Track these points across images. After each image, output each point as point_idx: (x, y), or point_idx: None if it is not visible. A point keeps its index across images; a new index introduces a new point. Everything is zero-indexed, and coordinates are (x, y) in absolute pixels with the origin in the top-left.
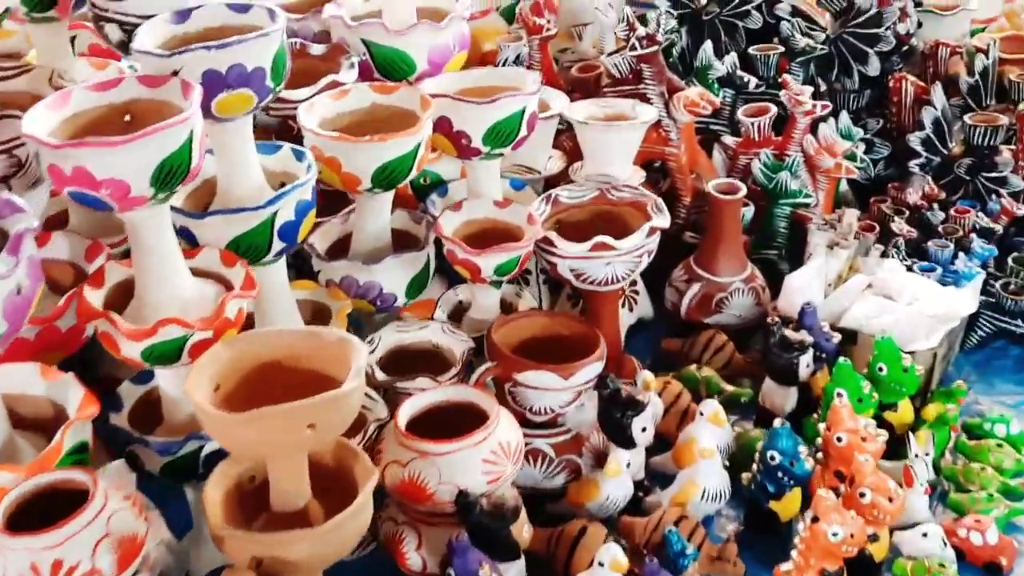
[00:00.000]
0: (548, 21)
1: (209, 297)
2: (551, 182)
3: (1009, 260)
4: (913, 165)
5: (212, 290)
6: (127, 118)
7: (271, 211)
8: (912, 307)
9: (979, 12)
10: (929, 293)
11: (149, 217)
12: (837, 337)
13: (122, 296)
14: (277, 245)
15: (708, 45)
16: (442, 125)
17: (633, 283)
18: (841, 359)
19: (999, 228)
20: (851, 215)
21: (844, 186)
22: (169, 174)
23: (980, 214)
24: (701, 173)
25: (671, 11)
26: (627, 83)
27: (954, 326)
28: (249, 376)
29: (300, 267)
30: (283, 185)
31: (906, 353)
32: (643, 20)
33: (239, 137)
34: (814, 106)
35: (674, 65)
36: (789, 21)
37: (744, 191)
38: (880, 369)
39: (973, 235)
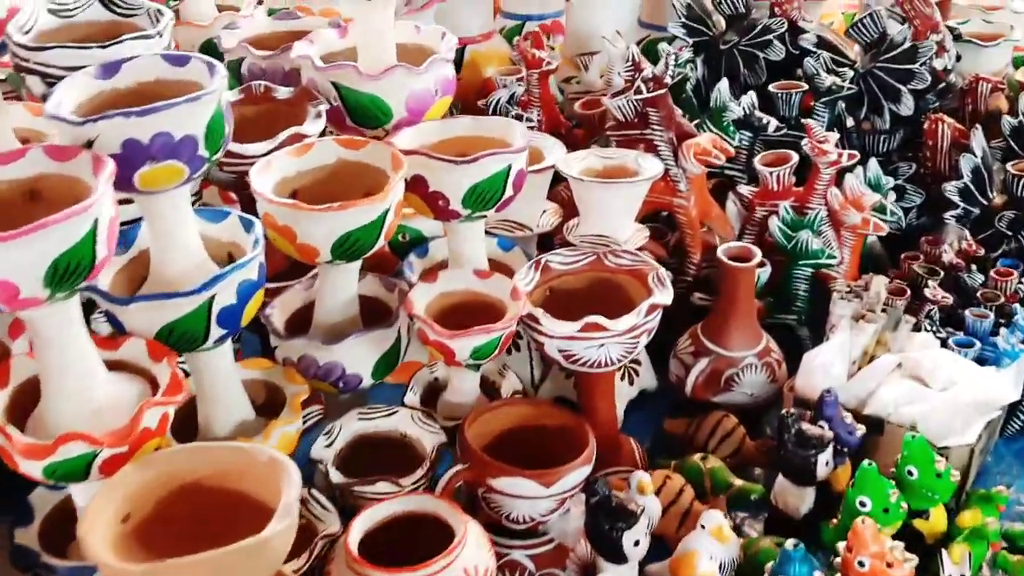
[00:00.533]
0: (552, 49)
1: (128, 401)
2: (546, 239)
3: None
4: (949, 217)
5: (134, 391)
6: (34, 199)
7: (206, 296)
8: (947, 393)
9: None
10: (966, 376)
11: (49, 315)
12: (861, 430)
13: (34, 395)
14: (216, 332)
15: (724, 84)
16: (417, 185)
17: None
18: (865, 462)
19: None
20: (879, 283)
21: (872, 237)
22: (67, 273)
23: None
24: (713, 226)
25: (686, 38)
26: (632, 127)
27: (994, 417)
28: (167, 501)
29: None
30: (231, 258)
31: (939, 451)
32: (652, 52)
33: (172, 209)
34: (840, 155)
35: (687, 100)
36: (814, 54)
37: (759, 257)
38: (910, 473)
39: (1017, 305)
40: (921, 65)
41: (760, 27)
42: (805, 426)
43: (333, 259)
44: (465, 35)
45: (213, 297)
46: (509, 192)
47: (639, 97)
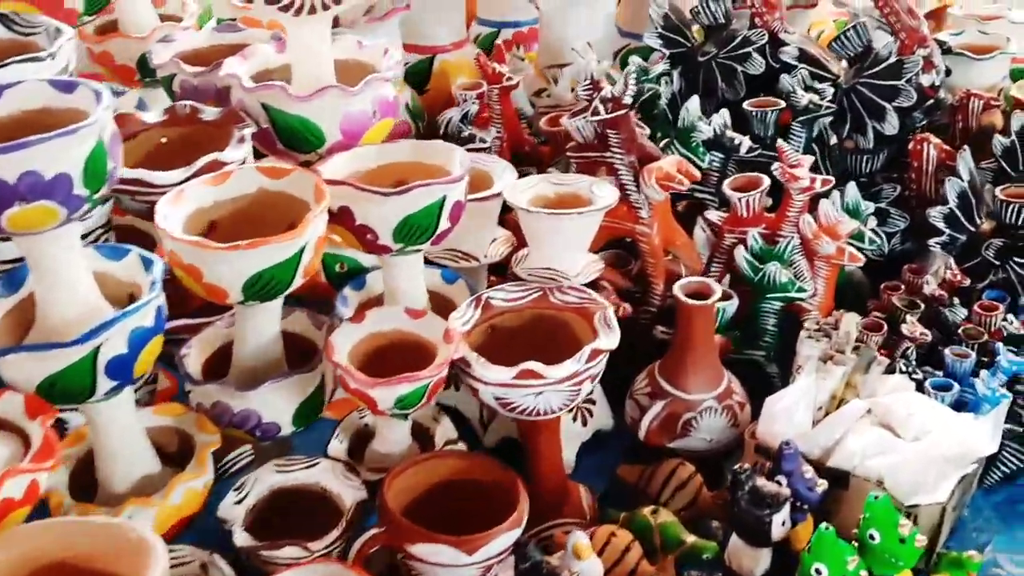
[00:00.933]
0: (522, 60)
1: None
2: (499, 268)
3: None
4: (933, 244)
5: (3, 455)
6: None
7: (91, 346)
8: (919, 444)
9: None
10: (941, 425)
11: None
12: (823, 486)
13: None
14: (104, 384)
15: (692, 102)
16: (344, 217)
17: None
18: (823, 526)
19: None
20: (849, 321)
21: (852, 266)
22: None
23: (1010, 317)
24: (679, 255)
25: (662, 50)
26: (593, 148)
27: (969, 472)
28: None
29: None
30: (132, 300)
31: (908, 510)
32: (624, 63)
33: (55, 249)
34: (812, 180)
35: (662, 115)
36: (793, 68)
37: (717, 293)
38: (871, 537)
39: (1000, 344)
40: (907, 81)
41: (739, 39)
42: (760, 482)
43: (245, 300)
44: (434, 43)
45: (99, 347)
46: (444, 225)
47: (596, 119)
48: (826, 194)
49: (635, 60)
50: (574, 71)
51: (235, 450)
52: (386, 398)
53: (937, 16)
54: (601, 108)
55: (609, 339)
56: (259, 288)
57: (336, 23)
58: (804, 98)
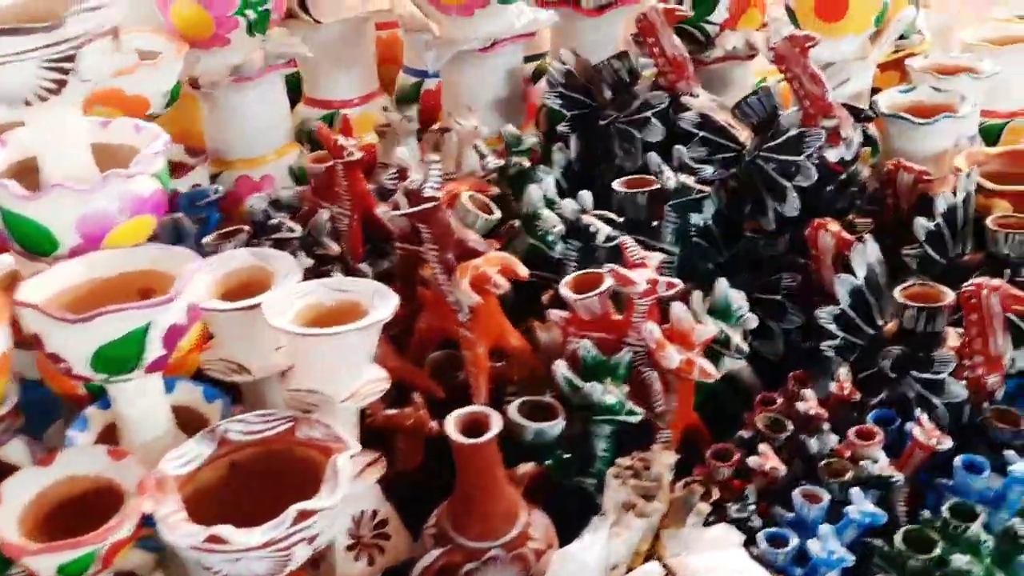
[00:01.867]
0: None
1: None
2: None
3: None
4: (826, 347)
5: None
6: None
7: None
8: None
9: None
10: None
11: None
12: None
13: None
14: None
15: (534, 188)
16: (38, 343)
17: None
18: None
19: (898, 479)
20: (662, 461)
21: (735, 364)
22: None
23: (878, 456)
24: (513, 360)
25: (563, 111)
26: (412, 240)
27: None
28: None
29: None
30: None
31: None
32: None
33: None
34: (652, 284)
35: (557, 183)
36: (691, 136)
37: (497, 429)
38: None
39: (855, 490)
40: (807, 157)
41: (639, 102)
42: None
43: None
44: (334, 97)
45: None
46: (157, 352)
47: (397, 213)
48: (679, 297)
49: (507, 129)
50: (452, 140)
51: None
52: (47, 567)
53: (896, 68)
54: (401, 202)
55: (328, 496)
56: None
57: (195, 85)
58: (671, 179)
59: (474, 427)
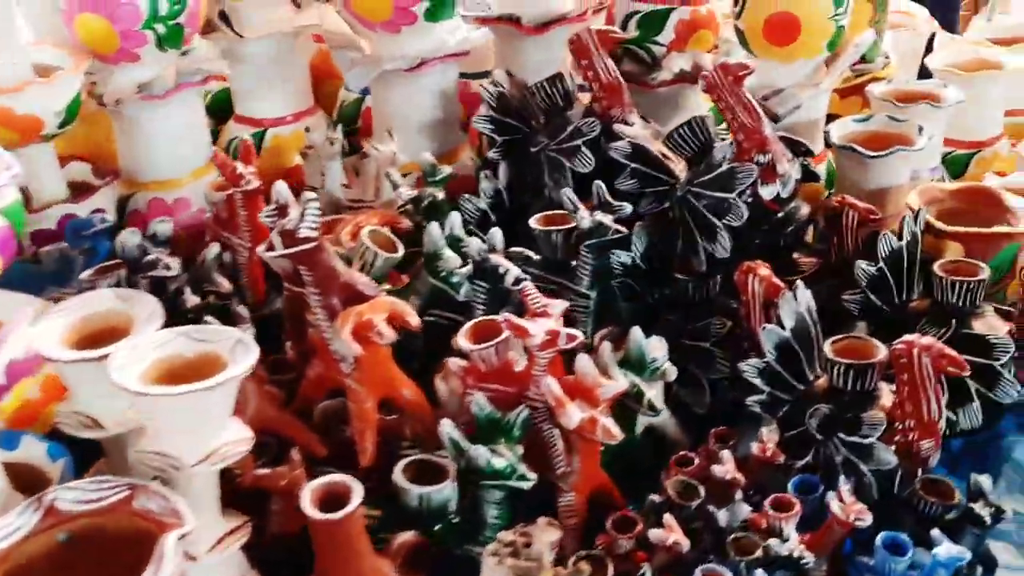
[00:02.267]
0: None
1: None
2: None
3: None
4: (752, 402)
5: None
6: None
7: None
8: None
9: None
10: None
11: None
12: None
13: None
14: None
15: (434, 226)
16: None
17: None
18: None
19: (808, 560)
20: (544, 538)
21: (659, 419)
22: None
23: (790, 533)
24: (407, 415)
25: (494, 135)
26: (296, 281)
27: None
28: None
29: None
30: None
31: None
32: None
33: None
34: (552, 336)
35: (484, 215)
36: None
37: (356, 502)
38: None
39: (759, 572)
40: (739, 194)
41: (569, 130)
42: None
43: None
44: (264, 116)
45: None
46: None
47: (271, 255)
48: (587, 349)
49: (423, 157)
50: (372, 166)
51: None
52: None
53: (857, 94)
54: (275, 242)
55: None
56: None
57: (101, 102)
58: (586, 219)
59: (335, 499)
